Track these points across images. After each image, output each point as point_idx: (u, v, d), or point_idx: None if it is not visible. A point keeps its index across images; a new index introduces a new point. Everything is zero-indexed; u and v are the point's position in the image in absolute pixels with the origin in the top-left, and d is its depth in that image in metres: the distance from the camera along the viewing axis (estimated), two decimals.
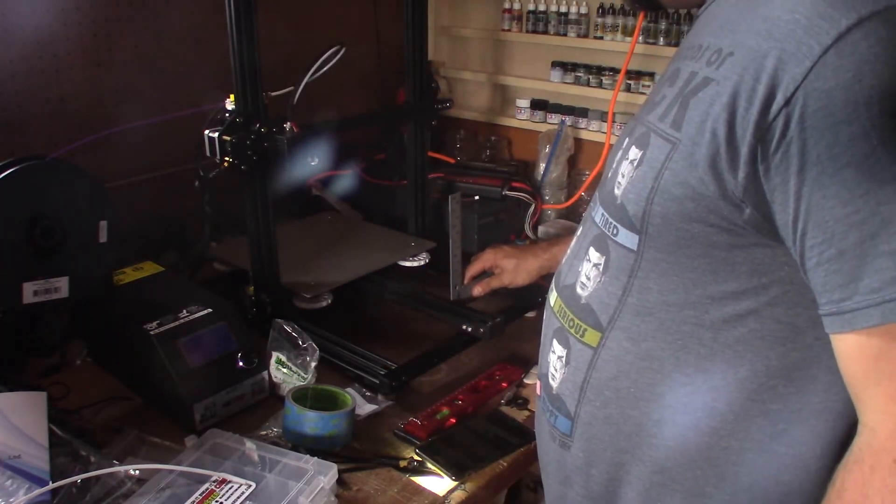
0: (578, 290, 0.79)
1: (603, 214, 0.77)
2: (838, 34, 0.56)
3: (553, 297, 0.86)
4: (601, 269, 0.76)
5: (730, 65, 0.63)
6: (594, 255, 0.77)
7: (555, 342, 0.82)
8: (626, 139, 0.77)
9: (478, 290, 1.35)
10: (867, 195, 0.56)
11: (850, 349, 0.61)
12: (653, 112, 0.73)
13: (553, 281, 0.88)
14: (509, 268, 1.33)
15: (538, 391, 0.89)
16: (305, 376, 1.11)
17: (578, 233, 0.86)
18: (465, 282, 1.37)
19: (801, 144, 0.58)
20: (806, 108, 0.57)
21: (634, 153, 0.72)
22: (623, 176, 0.73)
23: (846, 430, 0.66)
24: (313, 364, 1.11)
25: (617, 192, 0.74)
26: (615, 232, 0.74)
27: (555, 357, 0.82)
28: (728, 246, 0.66)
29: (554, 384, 0.82)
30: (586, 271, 0.78)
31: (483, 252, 1.39)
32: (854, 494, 0.61)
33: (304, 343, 1.13)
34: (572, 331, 0.79)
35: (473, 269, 1.38)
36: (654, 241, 0.70)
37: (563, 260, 0.87)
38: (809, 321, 0.63)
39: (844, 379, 0.63)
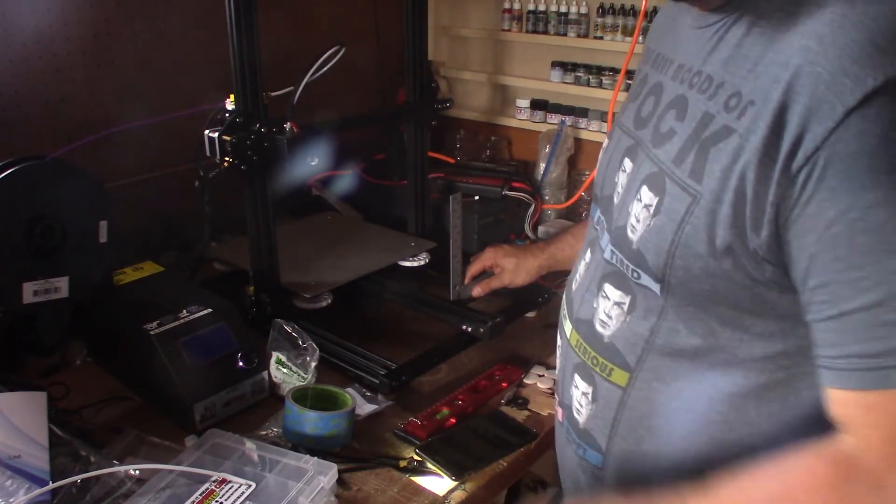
0: (599, 328, 0.78)
1: (614, 253, 0.76)
2: (864, 95, 0.54)
3: (568, 328, 0.85)
4: (625, 309, 0.75)
5: (752, 116, 0.61)
6: (614, 293, 0.76)
7: (577, 377, 0.82)
8: (627, 159, 0.76)
9: (478, 291, 1.35)
10: (877, 264, 0.55)
11: (842, 400, 0.60)
12: (661, 148, 0.71)
13: (564, 309, 0.88)
14: (509, 267, 1.33)
15: (559, 417, 0.89)
16: (305, 376, 1.11)
17: (587, 259, 0.84)
18: (465, 282, 1.38)
19: (819, 206, 0.57)
20: (826, 170, 0.56)
21: (648, 197, 0.70)
22: (638, 220, 0.72)
23: None
24: (313, 364, 1.11)
25: (632, 235, 0.72)
26: (636, 276, 0.73)
27: (578, 392, 0.82)
28: (752, 300, 0.66)
29: (580, 419, 0.82)
30: (606, 309, 0.77)
31: (483, 252, 1.39)
32: (809, 484, 0.61)
33: (304, 343, 1.13)
34: (597, 369, 0.79)
35: (473, 269, 1.38)
36: (677, 290, 0.69)
37: (574, 289, 0.86)
38: None
39: (832, 415, 0.62)
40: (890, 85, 0.54)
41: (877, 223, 0.55)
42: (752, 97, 0.62)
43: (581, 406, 0.82)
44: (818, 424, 0.66)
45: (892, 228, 0.54)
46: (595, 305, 0.79)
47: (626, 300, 0.75)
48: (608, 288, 0.77)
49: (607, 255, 0.77)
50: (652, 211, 0.70)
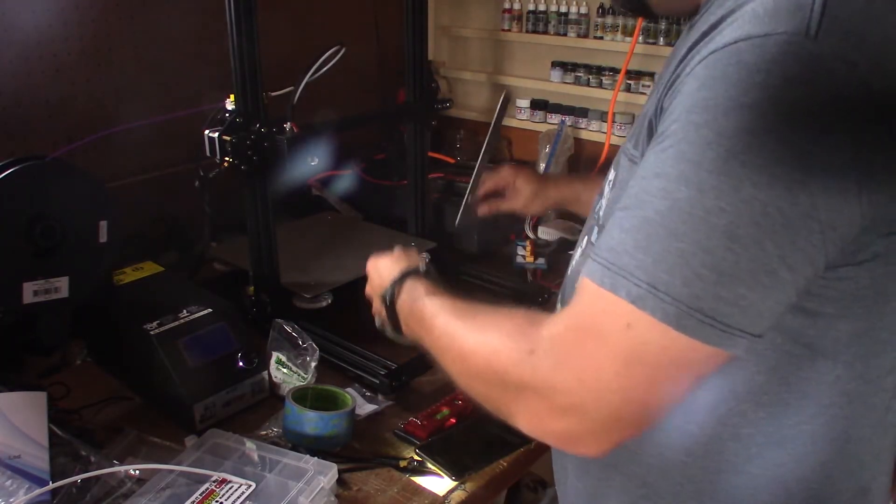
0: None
1: (598, 234, 0.77)
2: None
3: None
4: None
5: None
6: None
7: None
8: None
9: (484, 210, 1.29)
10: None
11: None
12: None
13: (559, 299, 0.88)
14: (526, 192, 1.26)
15: None
16: (305, 376, 1.11)
17: (583, 245, 0.84)
18: (480, 194, 1.28)
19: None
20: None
21: (611, 174, 0.73)
22: (604, 197, 0.75)
23: (829, 454, 0.66)
24: (313, 364, 1.11)
25: (601, 213, 0.75)
26: None
27: None
28: None
29: None
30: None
31: (501, 168, 1.30)
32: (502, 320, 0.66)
33: (304, 343, 1.13)
34: None
35: (488, 186, 1.30)
36: None
37: (567, 275, 0.86)
38: (773, 346, 0.63)
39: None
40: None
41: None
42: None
43: None
44: (756, 418, 0.66)
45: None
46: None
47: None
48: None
49: (593, 238, 0.79)
50: (610, 186, 0.73)
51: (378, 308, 0.93)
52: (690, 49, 0.59)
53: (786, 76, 0.51)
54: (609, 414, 0.57)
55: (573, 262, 0.87)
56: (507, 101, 1.21)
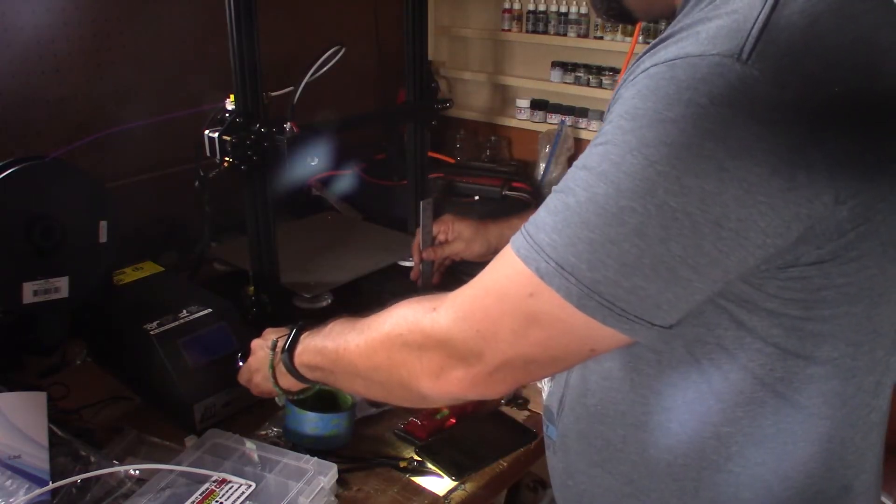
0: None
1: None
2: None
3: None
4: None
5: None
6: None
7: None
8: None
9: (429, 255, 1.34)
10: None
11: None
12: None
13: None
14: (466, 235, 1.32)
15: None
16: None
17: None
18: (414, 251, 1.36)
19: None
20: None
21: None
22: None
23: (810, 453, 0.67)
24: None
25: None
26: None
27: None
28: None
29: (544, 396, 0.87)
30: None
31: (442, 217, 1.37)
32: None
33: None
34: None
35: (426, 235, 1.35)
36: None
37: None
38: (742, 345, 0.63)
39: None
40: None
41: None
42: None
43: (543, 384, 0.88)
44: (735, 417, 0.67)
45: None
46: None
47: None
48: None
49: None
50: None
51: (259, 380, 0.99)
52: (641, 56, 0.61)
53: (711, 95, 0.53)
54: (503, 362, 0.64)
55: None
56: (430, 210, 1.28)
